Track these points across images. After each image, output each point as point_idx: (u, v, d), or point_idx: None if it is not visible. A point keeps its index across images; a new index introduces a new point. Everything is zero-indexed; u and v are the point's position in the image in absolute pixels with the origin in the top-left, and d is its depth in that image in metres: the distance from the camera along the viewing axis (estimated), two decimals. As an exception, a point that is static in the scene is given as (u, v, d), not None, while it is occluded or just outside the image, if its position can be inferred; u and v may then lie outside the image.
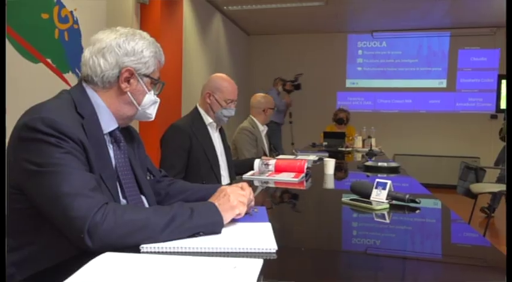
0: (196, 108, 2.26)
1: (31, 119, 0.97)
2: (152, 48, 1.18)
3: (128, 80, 1.15)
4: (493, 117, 6.68)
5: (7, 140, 1.02)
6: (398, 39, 7.07)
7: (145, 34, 1.19)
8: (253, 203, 1.22)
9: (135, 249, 0.89)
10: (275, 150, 3.48)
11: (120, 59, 1.12)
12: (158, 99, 1.25)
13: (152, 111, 1.25)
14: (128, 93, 1.16)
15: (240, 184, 1.18)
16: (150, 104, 1.22)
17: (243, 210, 1.08)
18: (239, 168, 2.39)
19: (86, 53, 1.14)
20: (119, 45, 1.12)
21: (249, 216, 1.15)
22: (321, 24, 6.76)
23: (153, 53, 1.18)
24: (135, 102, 1.18)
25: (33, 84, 2.51)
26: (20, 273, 1.00)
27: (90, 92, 1.14)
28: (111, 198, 1.06)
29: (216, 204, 1.03)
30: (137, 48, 1.14)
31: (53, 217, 0.94)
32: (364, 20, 6.56)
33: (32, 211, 0.99)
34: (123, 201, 1.14)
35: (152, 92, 1.22)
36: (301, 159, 2.30)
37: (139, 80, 1.17)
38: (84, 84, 1.15)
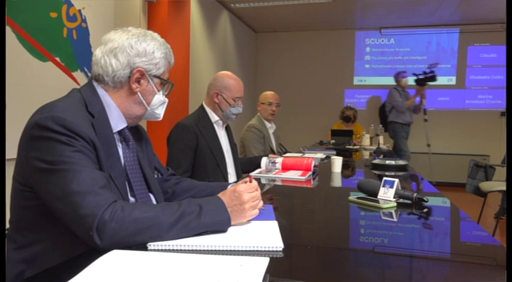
0: (202, 106, 2.27)
1: (42, 117, 0.98)
2: (163, 49, 1.19)
3: (138, 81, 1.16)
4: (503, 114, 6.59)
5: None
6: (407, 36, 7.01)
7: (156, 35, 1.21)
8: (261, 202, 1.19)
9: (142, 247, 0.90)
10: (283, 148, 3.46)
11: (132, 59, 1.13)
12: (167, 100, 1.26)
13: (160, 112, 1.26)
14: (138, 93, 1.17)
15: (253, 184, 1.12)
16: (158, 104, 1.23)
17: (254, 215, 1.07)
18: (246, 166, 2.39)
19: (97, 53, 1.15)
20: (131, 46, 1.13)
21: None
22: (329, 21, 6.73)
23: (164, 54, 1.19)
24: (144, 102, 1.19)
25: (42, 82, 2.53)
26: (30, 270, 1.01)
27: (100, 91, 1.15)
28: (120, 196, 1.07)
29: (226, 203, 1.02)
30: (149, 49, 1.15)
31: (63, 215, 0.95)
32: (372, 17, 6.51)
33: (42, 208, 1.00)
34: (131, 199, 1.15)
35: (161, 92, 1.23)
36: (308, 157, 2.29)
37: (150, 80, 1.18)
38: (95, 84, 1.16)
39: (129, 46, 1.13)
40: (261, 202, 1.13)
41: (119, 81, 1.14)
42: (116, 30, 1.17)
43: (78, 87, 1.18)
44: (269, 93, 3.35)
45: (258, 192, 1.11)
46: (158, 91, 1.21)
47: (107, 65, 1.13)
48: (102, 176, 0.99)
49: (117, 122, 1.15)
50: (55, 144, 0.96)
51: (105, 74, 1.13)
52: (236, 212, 1.03)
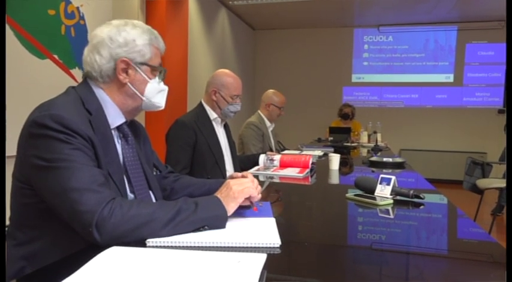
0: (200, 103, 2.27)
1: (40, 115, 0.99)
2: (146, 35, 1.17)
3: (125, 71, 1.15)
4: (501, 112, 6.61)
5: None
6: (405, 34, 7.01)
7: (138, 23, 1.19)
8: (259, 188, 1.19)
9: (141, 243, 0.91)
10: (281, 146, 3.47)
11: (114, 51, 1.13)
12: (165, 87, 1.24)
13: (160, 100, 1.23)
14: (128, 84, 1.16)
15: (241, 174, 1.20)
16: (155, 92, 1.21)
17: (250, 192, 1.10)
18: (244, 164, 2.40)
19: (85, 51, 1.16)
20: (111, 38, 1.13)
21: (253, 211, 1.16)
22: (327, 18, 6.72)
23: (148, 41, 1.17)
24: (137, 92, 1.17)
25: (40, 80, 2.53)
26: (30, 267, 1.02)
27: (95, 88, 1.15)
28: (118, 193, 1.07)
29: (220, 197, 1.05)
30: (129, 38, 1.14)
31: (62, 211, 0.95)
32: (370, 14, 6.51)
33: (41, 205, 1.01)
34: (131, 196, 1.16)
35: (156, 80, 1.21)
36: (306, 155, 2.30)
37: (137, 69, 1.16)
38: (89, 81, 1.16)
39: (108, 39, 1.13)
40: (259, 187, 1.17)
41: (107, 75, 1.14)
42: (101, 25, 1.17)
43: (75, 84, 1.18)
44: (282, 97, 3.35)
45: (247, 179, 1.16)
46: (150, 79, 1.19)
47: (92, 61, 1.13)
48: (100, 173, 1.00)
49: (115, 118, 1.15)
50: (53, 142, 0.96)
51: (93, 71, 1.14)
52: (226, 198, 1.05)
